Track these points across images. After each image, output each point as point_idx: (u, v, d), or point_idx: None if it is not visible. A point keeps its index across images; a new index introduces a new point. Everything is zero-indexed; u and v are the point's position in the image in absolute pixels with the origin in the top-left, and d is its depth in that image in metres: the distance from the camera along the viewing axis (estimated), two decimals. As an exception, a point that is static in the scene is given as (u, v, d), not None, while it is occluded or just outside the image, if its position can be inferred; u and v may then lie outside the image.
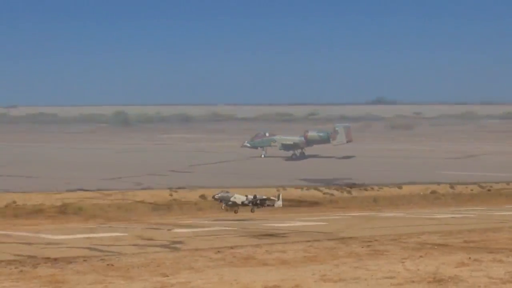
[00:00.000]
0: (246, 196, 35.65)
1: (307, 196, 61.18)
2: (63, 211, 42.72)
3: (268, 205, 35.74)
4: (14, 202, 47.59)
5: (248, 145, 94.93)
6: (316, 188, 62.75)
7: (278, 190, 43.80)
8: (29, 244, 21.66)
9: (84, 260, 16.48)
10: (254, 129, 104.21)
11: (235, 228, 29.48)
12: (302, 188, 60.88)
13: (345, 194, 60.55)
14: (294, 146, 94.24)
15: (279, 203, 36.03)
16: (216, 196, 36.25)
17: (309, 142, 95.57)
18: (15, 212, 42.51)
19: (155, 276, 13.41)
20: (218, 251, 18.92)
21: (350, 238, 23.67)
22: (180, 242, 21.97)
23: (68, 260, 16.32)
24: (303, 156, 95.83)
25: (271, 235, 25.99)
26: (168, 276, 13.29)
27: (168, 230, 28.78)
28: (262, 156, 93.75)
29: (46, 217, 40.56)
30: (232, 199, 35.08)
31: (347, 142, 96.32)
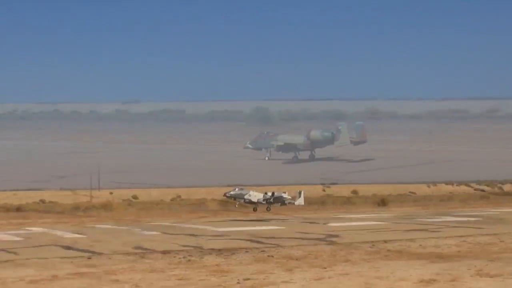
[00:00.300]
0: (266, 193, 34.79)
1: (458, 191, 60.69)
2: (225, 205, 45.51)
3: (289, 203, 34.45)
4: (179, 196, 52.10)
5: (250, 146, 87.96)
6: (467, 185, 62.06)
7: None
8: (195, 235, 23.43)
9: (246, 251, 17.48)
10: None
11: (387, 223, 29.53)
12: (452, 184, 62.85)
13: (496, 190, 61.07)
14: (294, 147, 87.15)
15: (301, 201, 34.77)
16: (228, 194, 35.29)
17: (314, 142, 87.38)
18: (180, 206, 46.57)
19: (313, 267, 13.67)
20: (373, 245, 18.90)
21: (505, 233, 22.42)
22: (335, 236, 22.32)
23: (231, 251, 17.40)
24: (312, 158, 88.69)
25: (424, 230, 25.35)
26: (325, 268, 13.45)
27: (324, 224, 29.41)
28: (266, 158, 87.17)
29: (208, 211, 44.14)
30: (246, 196, 34.10)
31: (357, 143, 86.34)
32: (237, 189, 33.88)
